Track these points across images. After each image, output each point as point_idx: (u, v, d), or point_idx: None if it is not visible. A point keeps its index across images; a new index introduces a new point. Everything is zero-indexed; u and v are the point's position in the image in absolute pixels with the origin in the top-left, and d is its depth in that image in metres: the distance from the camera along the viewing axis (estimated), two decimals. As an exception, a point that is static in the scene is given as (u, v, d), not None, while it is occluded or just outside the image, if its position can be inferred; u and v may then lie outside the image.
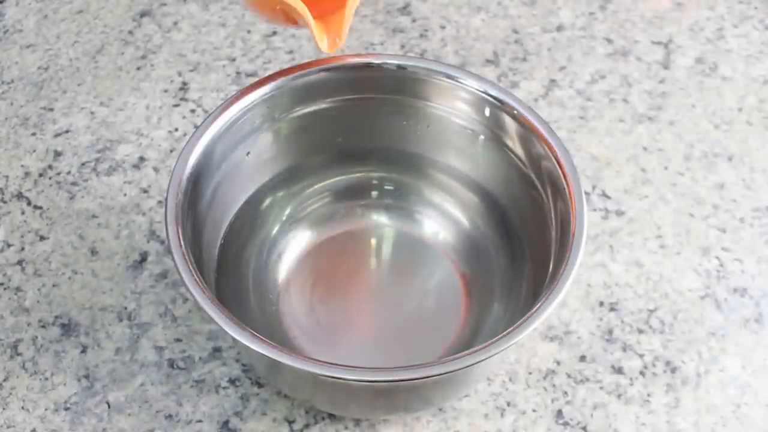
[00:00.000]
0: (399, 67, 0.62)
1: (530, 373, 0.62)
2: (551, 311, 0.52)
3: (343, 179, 0.66)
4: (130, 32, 0.81)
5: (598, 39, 0.81)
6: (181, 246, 0.53)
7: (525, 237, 0.61)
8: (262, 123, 0.61)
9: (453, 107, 0.62)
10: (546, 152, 0.58)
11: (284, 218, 0.65)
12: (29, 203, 0.70)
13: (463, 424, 0.59)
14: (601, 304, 0.65)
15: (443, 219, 0.65)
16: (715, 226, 0.69)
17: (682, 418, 0.60)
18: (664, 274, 0.67)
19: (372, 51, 0.63)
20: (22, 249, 0.67)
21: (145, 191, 0.70)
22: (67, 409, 0.60)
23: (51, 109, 0.76)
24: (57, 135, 0.74)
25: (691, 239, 0.68)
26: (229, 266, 0.61)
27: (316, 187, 0.66)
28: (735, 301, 0.65)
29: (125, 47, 0.80)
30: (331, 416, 0.59)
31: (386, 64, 0.62)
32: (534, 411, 0.60)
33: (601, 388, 0.61)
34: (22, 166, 0.72)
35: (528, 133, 0.59)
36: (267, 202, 0.64)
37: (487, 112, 0.61)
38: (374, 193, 0.66)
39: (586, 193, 0.70)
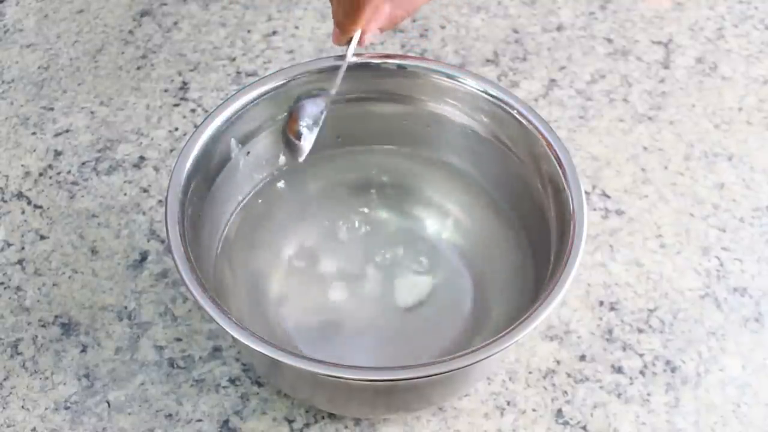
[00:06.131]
0: (399, 67, 0.62)
1: (530, 373, 0.62)
2: (551, 311, 0.52)
3: (342, 179, 0.66)
4: (131, 32, 0.81)
5: (598, 39, 0.81)
6: (181, 245, 0.53)
7: (525, 236, 0.61)
8: (262, 123, 0.61)
9: (453, 107, 0.62)
10: (546, 152, 0.58)
11: (284, 217, 0.65)
12: (29, 203, 0.70)
13: (463, 423, 0.59)
14: (601, 303, 0.65)
15: (443, 218, 0.65)
16: (715, 226, 0.69)
17: (682, 418, 0.60)
18: (664, 274, 0.67)
19: (372, 51, 0.63)
20: (23, 248, 0.67)
21: (146, 191, 0.70)
22: (67, 408, 0.60)
23: (51, 109, 0.76)
24: (57, 134, 0.74)
25: (691, 239, 0.68)
26: (229, 265, 0.61)
27: (315, 186, 0.66)
28: (735, 300, 0.65)
29: (125, 47, 0.80)
30: (331, 415, 0.60)
31: (386, 64, 0.62)
32: (534, 410, 0.60)
33: (601, 387, 0.61)
34: (22, 165, 0.72)
35: (528, 132, 0.59)
36: (267, 201, 0.64)
37: (487, 111, 0.61)
38: (374, 193, 0.66)
39: (586, 193, 0.69)
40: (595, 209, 0.70)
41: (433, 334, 0.61)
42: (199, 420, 0.59)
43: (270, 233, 0.64)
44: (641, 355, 0.63)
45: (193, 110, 0.75)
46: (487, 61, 0.79)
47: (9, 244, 0.67)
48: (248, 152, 0.62)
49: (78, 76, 0.78)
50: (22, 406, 0.60)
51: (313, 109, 0.60)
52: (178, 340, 0.63)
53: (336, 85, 0.59)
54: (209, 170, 0.59)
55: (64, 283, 0.65)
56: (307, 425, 0.59)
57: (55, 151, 0.73)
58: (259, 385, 0.61)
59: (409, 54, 0.79)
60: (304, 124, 0.60)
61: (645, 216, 0.70)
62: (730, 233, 0.69)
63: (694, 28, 0.83)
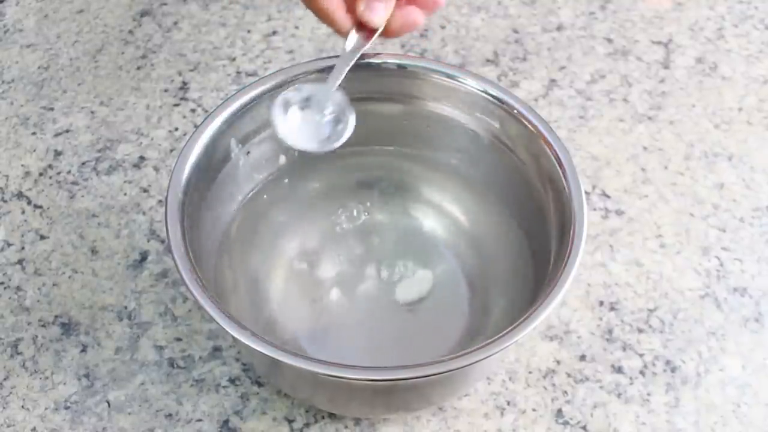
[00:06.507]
0: (399, 66, 0.62)
1: (530, 373, 0.62)
2: (551, 311, 0.52)
3: (342, 178, 0.66)
4: (131, 32, 0.81)
5: (598, 39, 0.81)
6: (181, 245, 0.53)
7: (525, 236, 0.61)
8: (262, 123, 0.61)
9: (453, 107, 0.62)
10: (546, 152, 0.58)
11: (284, 217, 0.65)
12: (29, 202, 0.70)
13: (463, 423, 0.59)
14: (601, 303, 0.65)
15: (443, 218, 0.65)
16: (715, 226, 0.69)
17: (682, 418, 0.60)
18: (664, 274, 0.67)
19: (372, 51, 0.63)
20: (23, 248, 0.67)
21: (146, 191, 0.70)
22: (67, 408, 0.60)
23: (51, 109, 0.76)
24: (57, 134, 0.74)
25: (691, 239, 0.68)
26: (229, 265, 0.61)
27: (315, 186, 0.66)
28: (735, 300, 0.65)
29: (125, 47, 0.80)
30: (331, 415, 0.60)
31: (386, 63, 0.62)
32: (534, 410, 0.60)
33: (601, 387, 0.61)
34: (22, 165, 0.72)
35: (528, 132, 0.59)
36: (267, 201, 0.64)
37: (487, 111, 0.61)
38: (374, 193, 0.66)
39: (586, 193, 0.70)
40: (595, 209, 0.70)
41: (433, 333, 0.61)
42: (199, 420, 0.59)
43: (270, 233, 0.64)
44: (641, 355, 0.63)
45: (193, 110, 0.75)
46: (487, 61, 0.79)
47: (9, 244, 0.67)
48: (248, 152, 0.62)
49: (78, 76, 0.78)
50: (22, 406, 0.60)
51: (325, 97, 0.58)
52: (178, 340, 0.63)
53: (336, 77, 0.58)
54: (209, 170, 0.59)
55: (64, 283, 0.65)
56: (307, 425, 0.59)
57: (55, 151, 0.73)
58: (259, 385, 0.61)
59: (409, 54, 0.79)
60: (327, 111, 0.58)
61: (645, 216, 0.70)
62: (730, 233, 0.69)
63: (694, 28, 0.83)
